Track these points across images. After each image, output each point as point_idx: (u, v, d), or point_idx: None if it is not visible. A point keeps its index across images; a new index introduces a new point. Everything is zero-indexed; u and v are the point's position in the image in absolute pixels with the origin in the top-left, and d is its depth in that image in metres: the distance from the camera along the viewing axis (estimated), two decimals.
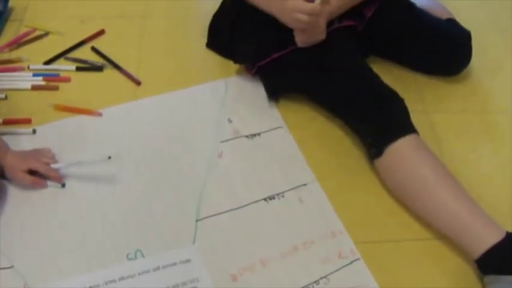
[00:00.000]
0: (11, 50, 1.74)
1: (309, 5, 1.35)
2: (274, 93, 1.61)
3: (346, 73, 1.48)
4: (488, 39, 1.82)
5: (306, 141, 1.53)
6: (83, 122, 1.55)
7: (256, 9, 1.51)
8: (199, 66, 1.72)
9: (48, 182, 1.40)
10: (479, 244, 1.23)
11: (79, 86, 1.65)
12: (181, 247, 1.31)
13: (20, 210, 1.36)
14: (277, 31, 1.49)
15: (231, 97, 1.62)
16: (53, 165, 1.41)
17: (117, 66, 1.70)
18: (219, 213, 1.37)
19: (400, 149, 1.36)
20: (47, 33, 1.80)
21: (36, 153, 1.43)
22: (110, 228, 1.34)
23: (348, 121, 1.51)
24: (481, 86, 1.72)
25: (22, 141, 1.48)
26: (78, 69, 1.69)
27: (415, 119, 1.42)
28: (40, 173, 1.39)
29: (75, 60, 1.72)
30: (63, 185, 1.40)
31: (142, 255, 1.29)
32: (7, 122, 1.54)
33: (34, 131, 1.51)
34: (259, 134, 1.54)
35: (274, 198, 1.41)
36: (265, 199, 1.40)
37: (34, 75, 1.67)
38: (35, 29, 1.81)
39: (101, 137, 1.51)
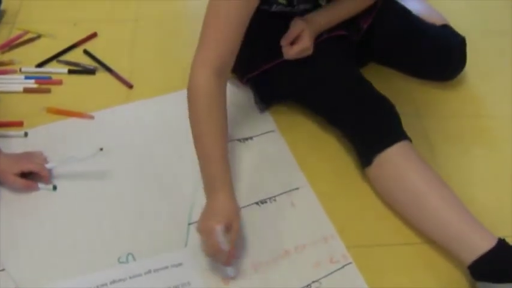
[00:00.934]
0: (3, 53, 1.74)
1: None
2: (265, 103, 1.60)
3: (336, 82, 1.47)
4: (481, 45, 1.82)
5: (299, 145, 1.53)
6: (75, 125, 1.55)
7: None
8: None
9: (40, 185, 1.39)
10: (471, 251, 1.23)
11: (71, 89, 1.65)
12: (173, 251, 1.31)
13: (11, 214, 1.35)
14: (266, 42, 1.49)
15: None
16: (47, 165, 1.40)
17: (109, 69, 1.70)
18: None
19: (389, 158, 1.36)
20: (39, 36, 1.79)
21: (28, 155, 1.42)
22: (101, 232, 1.33)
23: (339, 129, 1.51)
24: (473, 91, 1.72)
25: (14, 144, 1.47)
26: (70, 72, 1.69)
27: (408, 123, 1.42)
28: (32, 176, 1.38)
29: (67, 63, 1.72)
30: (55, 188, 1.39)
31: (134, 259, 1.29)
32: None
33: (26, 134, 1.51)
34: (251, 138, 1.54)
35: (266, 202, 1.40)
36: (257, 203, 1.40)
37: (26, 77, 1.66)
38: (27, 32, 1.80)
39: (93, 139, 1.50)
